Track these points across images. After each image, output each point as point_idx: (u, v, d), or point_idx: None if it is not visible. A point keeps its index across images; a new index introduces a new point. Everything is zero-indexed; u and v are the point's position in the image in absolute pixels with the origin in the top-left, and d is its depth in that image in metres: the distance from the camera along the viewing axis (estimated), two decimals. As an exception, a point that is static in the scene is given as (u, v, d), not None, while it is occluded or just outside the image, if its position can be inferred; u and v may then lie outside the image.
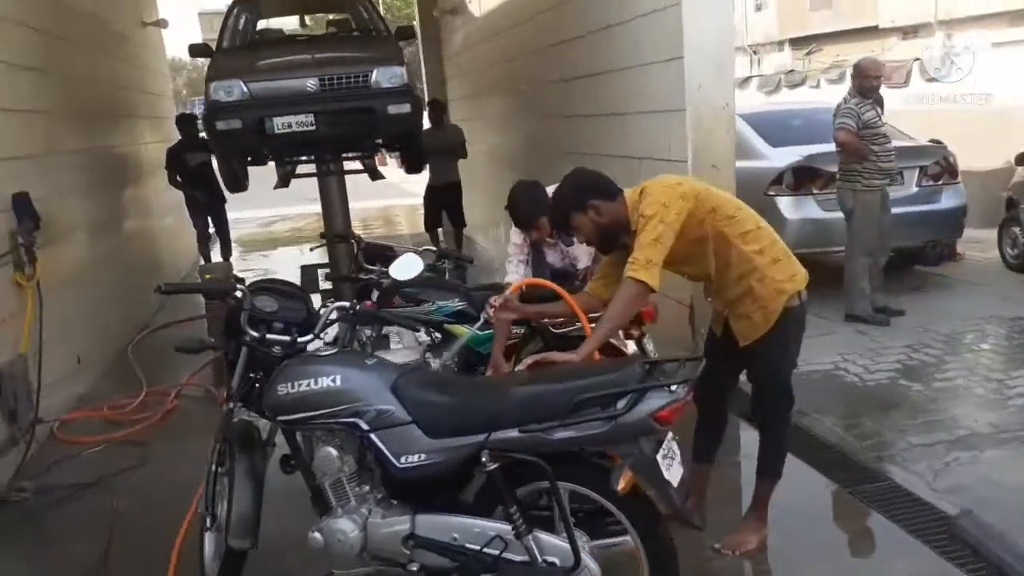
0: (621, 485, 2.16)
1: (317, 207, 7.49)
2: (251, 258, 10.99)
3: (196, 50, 6.57)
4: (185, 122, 8.39)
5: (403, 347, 4.25)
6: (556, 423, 2.22)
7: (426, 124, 8.80)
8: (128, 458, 4.26)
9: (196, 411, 4.96)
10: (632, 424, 2.20)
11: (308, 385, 2.51)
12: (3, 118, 4.69)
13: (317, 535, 2.57)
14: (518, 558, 2.35)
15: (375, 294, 3.90)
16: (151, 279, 7.15)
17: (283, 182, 6.72)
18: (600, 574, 2.32)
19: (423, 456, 2.40)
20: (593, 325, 2.88)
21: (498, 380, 2.92)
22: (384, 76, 5.69)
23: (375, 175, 6.93)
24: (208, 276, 7.59)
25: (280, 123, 5.53)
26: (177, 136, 8.38)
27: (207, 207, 8.06)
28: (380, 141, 6.52)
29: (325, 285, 5.59)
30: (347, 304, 2.78)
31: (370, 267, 3.95)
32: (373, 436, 2.44)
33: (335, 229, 7.00)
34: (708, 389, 2.88)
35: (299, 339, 2.69)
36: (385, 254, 4.06)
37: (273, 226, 14.58)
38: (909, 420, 4.11)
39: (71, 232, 5.56)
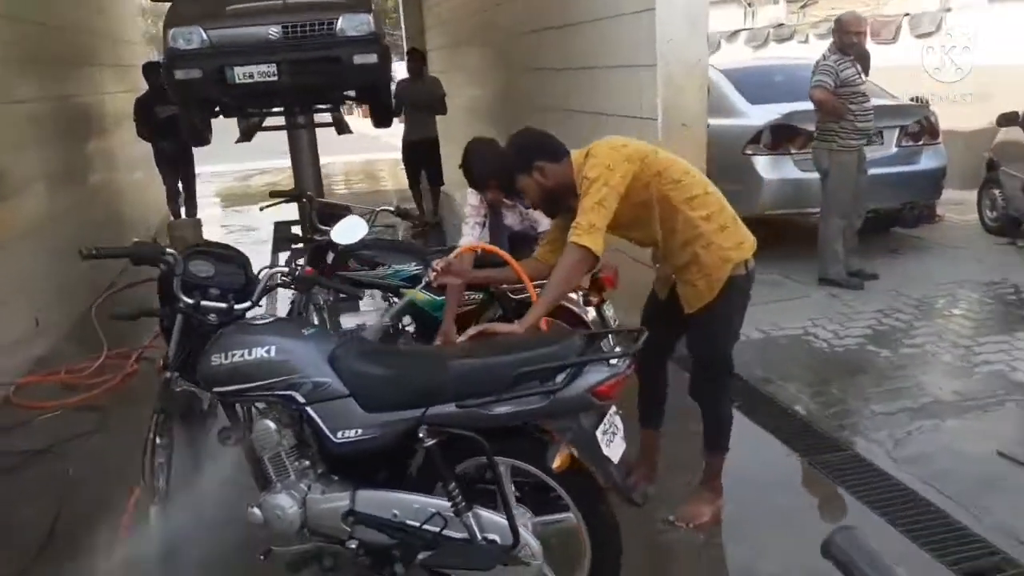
0: (557, 462, 2.09)
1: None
2: (228, 213, 10.79)
3: None
4: (152, 71, 7.95)
5: (374, 309, 4.16)
6: (494, 398, 2.14)
7: (404, 75, 8.58)
8: (84, 423, 4.16)
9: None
10: (570, 399, 2.12)
11: (242, 355, 2.41)
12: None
13: (256, 511, 2.49)
14: (458, 535, 2.28)
15: (330, 256, 3.77)
16: (116, 236, 7.01)
17: (245, 136, 6.53)
18: (540, 551, 2.25)
19: (360, 431, 2.31)
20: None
21: (437, 352, 2.84)
22: (350, 24, 5.48)
23: (342, 128, 6.74)
24: (176, 234, 7.49)
25: (241, 73, 5.35)
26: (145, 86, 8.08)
27: (176, 161, 7.82)
28: (348, 92, 6.33)
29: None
30: (285, 268, 2.67)
31: (324, 227, 3.81)
32: (309, 409, 2.36)
33: (303, 185, 6.85)
34: (648, 355, 2.82)
35: (236, 306, 2.58)
36: (339, 214, 3.92)
37: (250, 180, 14.32)
38: (874, 387, 4.08)
39: (26, 186, 5.37)
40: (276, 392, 2.38)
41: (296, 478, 2.48)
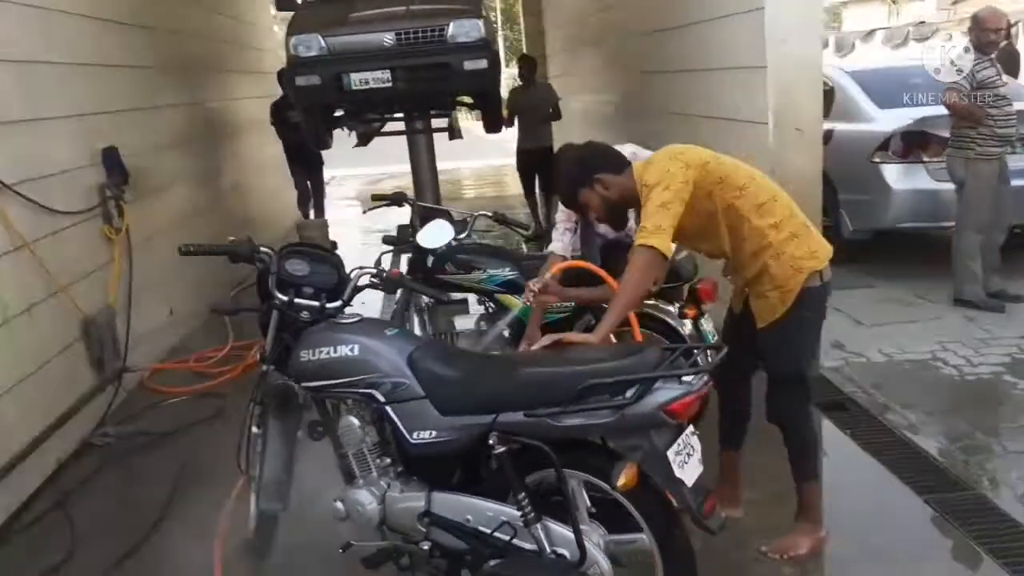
0: (622, 480, 2.04)
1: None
2: (356, 215, 11.16)
3: (282, 4, 6.63)
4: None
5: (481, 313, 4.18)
6: (560, 409, 2.12)
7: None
8: (206, 409, 4.44)
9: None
10: (640, 416, 2.06)
11: (328, 353, 2.49)
12: (97, 74, 4.87)
13: (339, 504, 2.57)
14: (528, 546, 2.27)
15: (430, 259, 3.85)
16: (255, 233, 7.44)
17: (363, 141, 6.75)
18: (610, 570, 2.21)
19: (434, 433, 2.34)
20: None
21: (510, 359, 2.84)
22: (460, 29, 5.54)
23: (453, 134, 6.85)
24: (304, 234, 7.87)
25: (357, 79, 5.51)
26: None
27: (306, 163, 8.22)
28: (460, 98, 6.43)
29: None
30: (373, 270, 2.74)
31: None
32: (388, 409, 2.41)
33: (422, 189, 7.04)
34: (728, 372, 2.73)
35: (327, 305, 2.68)
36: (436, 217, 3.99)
37: (380, 183, 14.81)
38: (1009, 422, 3.75)
39: (164, 186, 5.79)
40: (358, 390, 2.45)
41: (377, 475, 2.55)
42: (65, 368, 4.06)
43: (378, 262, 2.81)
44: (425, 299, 4.05)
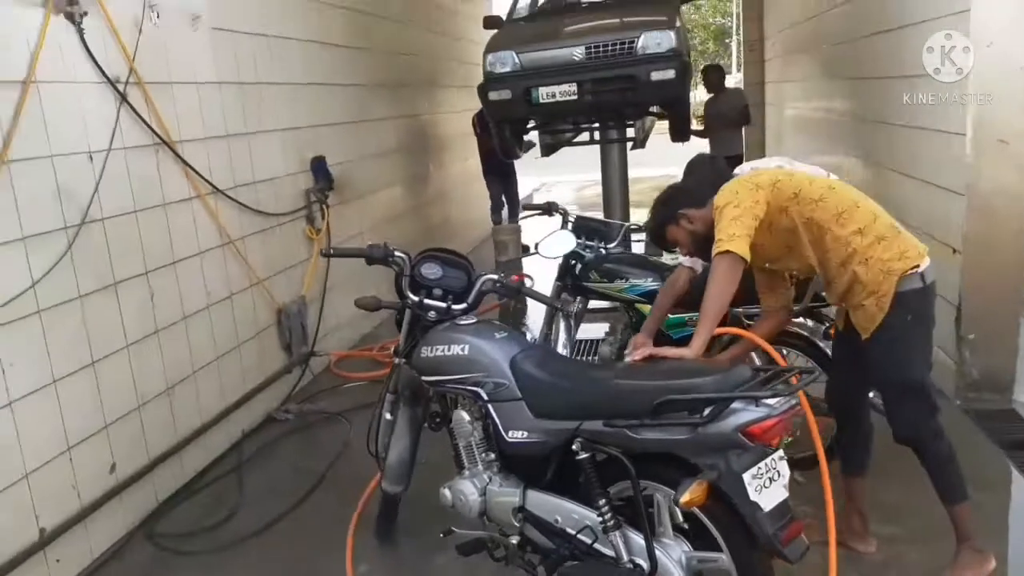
0: (686, 497, 2.00)
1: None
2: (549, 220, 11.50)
3: (489, 22, 7.00)
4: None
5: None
6: (638, 422, 2.12)
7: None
8: (375, 395, 4.83)
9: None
10: (716, 435, 2.01)
11: (443, 351, 2.67)
12: (314, 91, 5.47)
13: (446, 491, 2.74)
14: (608, 552, 2.30)
15: (578, 267, 3.93)
16: (445, 237, 7.94)
17: (546, 152, 6.94)
18: (686, 586, 2.18)
19: (526, 433, 2.44)
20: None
21: (601, 369, 2.86)
22: (651, 41, 5.55)
23: (635, 143, 6.85)
24: (498, 238, 8.25)
25: (544, 93, 5.71)
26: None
27: (501, 172, 8.60)
28: (652, 108, 6.42)
29: None
30: (495, 276, 2.88)
31: (577, 240, 3.98)
32: (490, 407, 2.54)
33: (611, 197, 7.13)
34: (839, 394, 2.78)
35: (453, 307, 2.86)
36: (591, 226, 4.06)
37: (584, 190, 15.08)
38: None
39: (367, 192, 6.36)
40: (466, 387, 2.60)
41: (482, 468, 2.68)
42: (258, 350, 4.62)
43: (499, 269, 2.95)
44: (575, 306, 4.14)
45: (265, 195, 4.74)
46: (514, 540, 2.53)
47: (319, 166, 5.39)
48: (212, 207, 4.19)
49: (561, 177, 15.26)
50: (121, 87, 3.49)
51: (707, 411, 2.02)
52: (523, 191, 12.82)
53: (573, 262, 3.97)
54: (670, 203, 2.87)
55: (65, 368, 3.16)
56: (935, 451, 2.63)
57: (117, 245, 3.47)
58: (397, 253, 2.90)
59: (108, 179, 3.39)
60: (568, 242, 3.33)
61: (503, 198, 8.78)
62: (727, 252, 2.45)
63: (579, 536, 2.35)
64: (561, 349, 4.09)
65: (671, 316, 3.50)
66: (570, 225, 4.09)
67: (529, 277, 7.19)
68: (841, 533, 2.92)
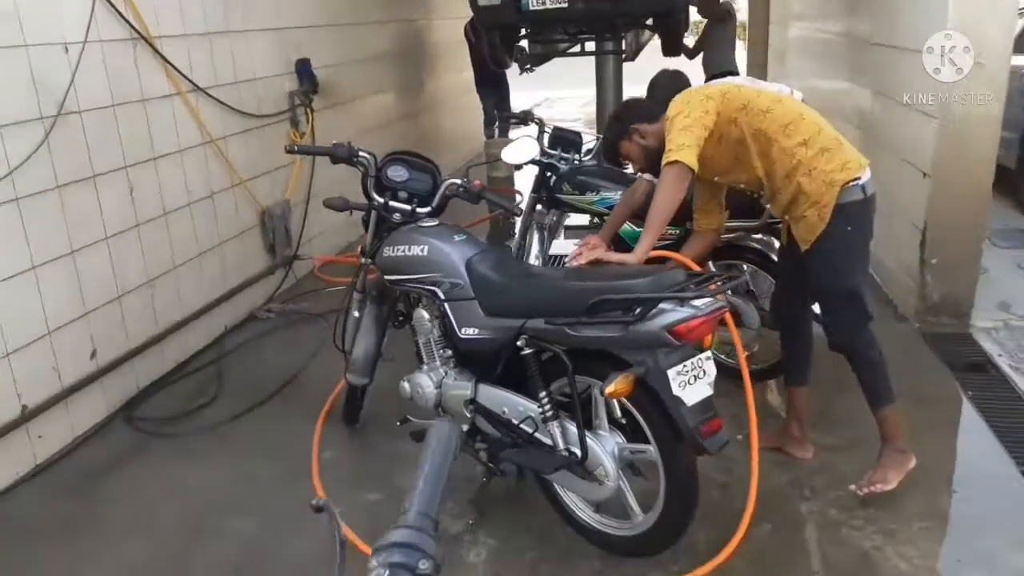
0: (610, 388, 2.14)
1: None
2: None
3: None
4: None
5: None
6: (575, 320, 2.24)
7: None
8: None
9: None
10: (645, 334, 2.14)
11: (404, 251, 2.78)
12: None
13: (405, 384, 2.90)
14: (546, 441, 2.45)
15: (552, 180, 3.99)
16: (435, 148, 7.94)
17: (532, 63, 6.87)
18: (614, 473, 2.34)
19: (477, 330, 2.57)
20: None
21: (547, 272, 2.99)
22: None
23: (628, 56, 6.79)
24: (489, 151, 8.22)
25: (534, 0, 5.66)
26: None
27: (493, 84, 8.50)
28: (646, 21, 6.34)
29: None
30: (458, 181, 2.95)
31: (551, 151, 4.03)
32: (446, 305, 2.66)
33: (604, 110, 7.08)
34: (783, 306, 2.92)
35: (418, 209, 2.95)
36: (569, 138, 4.09)
37: (589, 106, 14.91)
38: None
39: (354, 98, 6.33)
40: (424, 286, 2.72)
41: (439, 363, 2.83)
42: (241, 250, 4.72)
43: (465, 173, 3.02)
44: (549, 219, 4.22)
45: (248, 96, 4.75)
46: (464, 427, 2.69)
47: (304, 68, 5.36)
48: (193, 105, 4.22)
49: (566, 92, 15.06)
50: (95, -23, 3.48)
51: (637, 311, 2.13)
52: (525, 105, 12.73)
53: (548, 174, 4.03)
54: (623, 118, 2.94)
55: (44, 255, 3.27)
56: (868, 358, 2.76)
57: (95, 138, 3.52)
58: (362, 153, 2.97)
59: (84, 72, 3.42)
60: (532, 149, 3.38)
61: (496, 112, 8.71)
62: (675, 162, 2.52)
63: (521, 426, 2.50)
64: (534, 261, 4.19)
65: (633, 229, 3.59)
66: (546, 136, 4.12)
67: (519, 193, 7.24)
68: (779, 439, 3.10)
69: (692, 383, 2.19)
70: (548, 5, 5.65)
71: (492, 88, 8.62)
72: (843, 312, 2.74)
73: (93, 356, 3.57)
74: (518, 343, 2.43)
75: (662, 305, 2.14)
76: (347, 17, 6.17)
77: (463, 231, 2.82)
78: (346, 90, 6.12)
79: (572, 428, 2.40)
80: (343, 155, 2.96)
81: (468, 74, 8.89)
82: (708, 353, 2.24)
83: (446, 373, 2.80)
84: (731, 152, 2.71)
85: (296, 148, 3.09)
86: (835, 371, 3.17)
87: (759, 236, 3.40)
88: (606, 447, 2.37)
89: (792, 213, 2.73)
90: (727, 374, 2.88)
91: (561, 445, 2.40)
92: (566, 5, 5.60)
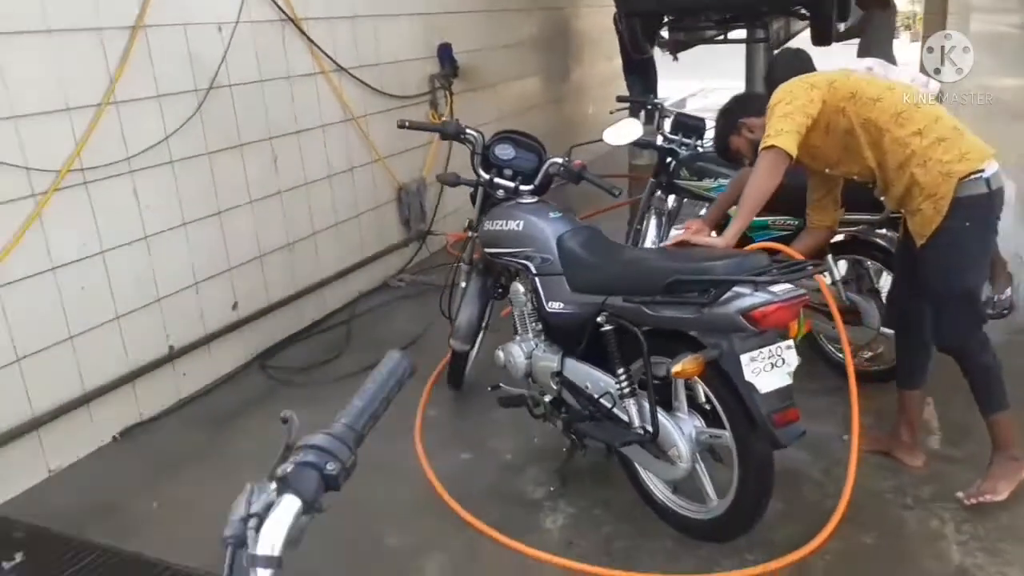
0: (676, 368, 2.13)
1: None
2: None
3: None
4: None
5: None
6: (650, 299, 2.25)
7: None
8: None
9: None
10: (720, 316, 2.11)
11: (502, 225, 2.88)
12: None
13: (500, 353, 3.00)
14: (623, 417, 2.48)
15: (672, 165, 3.96)
16: (581, 136, 7.96)
17: (677, 48, 6.74)
18: (688, 455, 2.33)
19: (563, 305, 2.63)
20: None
21: (631, 250, 2.98)
22: None
23: (774, 45, 6.52)
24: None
25: (676, -16, 5.58)
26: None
27: (639, 71, 8.42)
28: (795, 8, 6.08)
29: None
30: (559, 160, 3.01)
31: (672, 136, 3.99)
32: (537, 280, 2.74)
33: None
34: (897, 303, 2.76)
35: (521, 187, 3.05)
36: (691, 124, 4.04)
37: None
38: None
39: (496, 82, 6.50)
40: (518, 260, 2.82)
41: (532, 335, 2.92)
42: (377, 222, 5.01)
43: (567, 153, 3.08)
44: (668, 204, 4.19)
45: (389, 77, 5.01)
46: (547, 399, 2.77)
47: (445, 52, 5.57)
48: (336, 84, 4.52)
49: (721, 83, 14.62)
50: (250, -36, 3.81)
51: (712, 293, 2.12)
52: (680, 94, 12.47)
53: (668, 160, 4.00)
54: (729, 113, 2.92)
55: (194, 214, 3.64)
56: (981, 362, 2.59)
57: (243, 110, 3.87)
58: (469, 131, 3.09)
59: (235, 49, 3.76)
60: (635, 130, 3.36)
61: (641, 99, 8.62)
62: (771, 147, 2.46)
63: (600, 400, 2.54)
64: (649, 246, 4.17)
65: (755, 219, 3.51)
66: (667, 122, 4.08)
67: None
68: (888, 443, 2.95)
69: (768, 370, 2.15)
70: (691, -10, 5.56)
71: (638, 75, 8.53)
72: (955, 313, 2.57)
73: (235, 307, 3.94)
74: (598, 319, 2.46)
75: (740, 289, 2.11)
76: (491, 4, 6.34)
77: (559, 209, 2.88)
78: (487, 74, 6.30)
79: (647, 407, 2.41)
80: (451, 132, 3.10)
81: (617, 62, 8.86)
82: (790, 342, 2.18)
83: (536, 345, 2.88)
84: (840, 143, 2.61)
85: (408, 123, 3.26)
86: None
87: (882, 231, 3.22)
88: (683, 429, 2.37)
89: (907, 206, 2.58)
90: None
91: (636, 422, 2.42)
92: (709, -11, 5.49)
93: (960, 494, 2.64)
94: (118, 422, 3.36)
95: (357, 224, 4.83)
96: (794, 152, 2.46)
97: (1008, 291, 3.18)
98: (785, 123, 2.48)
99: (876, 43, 6.53)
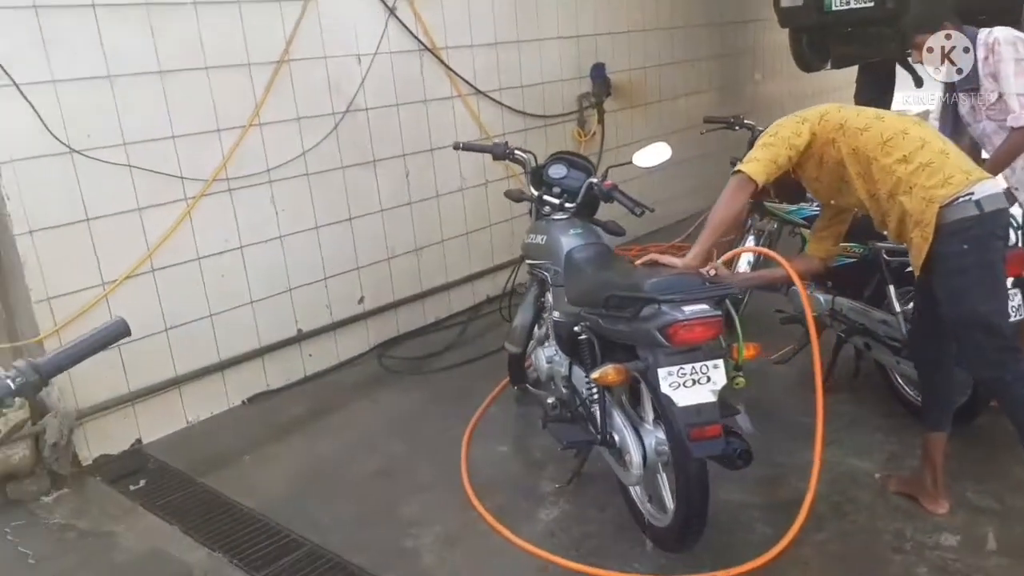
0: (595, 375, 2.30)
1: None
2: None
3: None
4: None
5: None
6: (602, 312, 2.44)
7: None
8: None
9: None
10: (642, 331, 2.26)
11: (532, 239, 3.19)
12: (597, 2, 5.90)
13: (531, 356, 3.30)
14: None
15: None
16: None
17: (840, 63, 6.35)
18: (639, 463, 2.48)
19: (559, 314, 2.88)
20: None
21: (613, 268, 3.02)
22: None
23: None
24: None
25: (838, 0, 5.38)
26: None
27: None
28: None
29: None
30: (595, 180, 3.20)
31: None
32: (551, 290, 3.01)
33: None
34: (920, 342, 2.71)
35: (566, 204, 3.29)
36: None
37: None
38: None
39: (654, 101, 6.60)
40: (541, 271, 3.10)
41: (551, 342, 3.18)
42: (510, 233, 5.40)
43: (604, 174, 3.25)
44: (764, 224, 4.14)
45: (530, 98, 5.40)
46: (550, 400, 3.01)
47: (597, 72, 5.83)
48: (472, 106, 5.01)
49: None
50: (390, 2, 4.39)
51: (633, 309, 2.27)
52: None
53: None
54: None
55: (326, 219, 4.31)
56: (1016, 395, 2.43)
57: (378, 130, 4.47)
58: (517, 152, 3.40)
59: (373, 77, 4.37)
60: (664, 153, 3.39)
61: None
62: (738, 172, 2.54)
63: (587, 400, 2.75)
64: (743, 268, 4.14)
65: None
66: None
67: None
68: (912, 487, 2.83)
69: (689, 386, 2.23)
70: (853, 5, 5.33)
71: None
72: (977, 343, 2.44)
73: (361, 301, 4.57)
74: (575, 329, 2.68)
75: (665, 307, 2.23)
76: (649, 23, 6.44)
77: (585, 226, 3.09)
78: (644, 93, 6.44)
79: (615, 413, 2.59)
80: (500, 153, 3.43)
81: (801, 82, 8.44)
82: (718, 361, 2.25)
83: (556, 351, 3.12)
84: (835, 174, 2.63)
85: (462, 145, 3.62)
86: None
87: None
88: (646, 441, 2.51)
89: (903, 237, 2.51)
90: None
91: (597, 426, 2.60)
92: (872, 5, 5.22)
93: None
94: (248, 389, 4.11)
95: (488, 233, 5.29)
96: (760, 179, 2.52)
97: None
98: (761, 152, 2.57)
99: None
